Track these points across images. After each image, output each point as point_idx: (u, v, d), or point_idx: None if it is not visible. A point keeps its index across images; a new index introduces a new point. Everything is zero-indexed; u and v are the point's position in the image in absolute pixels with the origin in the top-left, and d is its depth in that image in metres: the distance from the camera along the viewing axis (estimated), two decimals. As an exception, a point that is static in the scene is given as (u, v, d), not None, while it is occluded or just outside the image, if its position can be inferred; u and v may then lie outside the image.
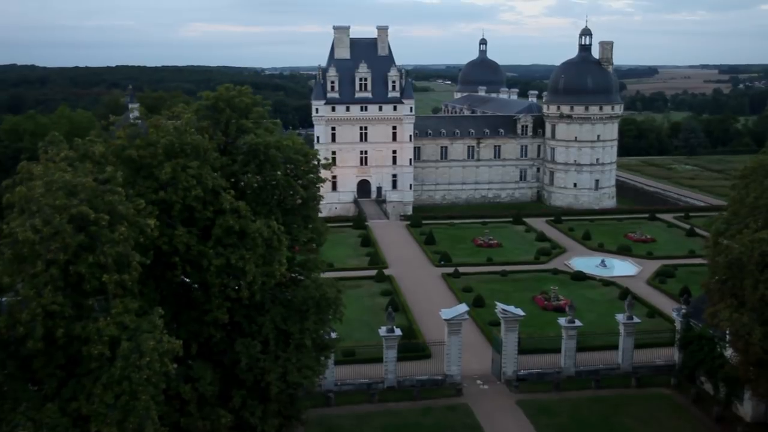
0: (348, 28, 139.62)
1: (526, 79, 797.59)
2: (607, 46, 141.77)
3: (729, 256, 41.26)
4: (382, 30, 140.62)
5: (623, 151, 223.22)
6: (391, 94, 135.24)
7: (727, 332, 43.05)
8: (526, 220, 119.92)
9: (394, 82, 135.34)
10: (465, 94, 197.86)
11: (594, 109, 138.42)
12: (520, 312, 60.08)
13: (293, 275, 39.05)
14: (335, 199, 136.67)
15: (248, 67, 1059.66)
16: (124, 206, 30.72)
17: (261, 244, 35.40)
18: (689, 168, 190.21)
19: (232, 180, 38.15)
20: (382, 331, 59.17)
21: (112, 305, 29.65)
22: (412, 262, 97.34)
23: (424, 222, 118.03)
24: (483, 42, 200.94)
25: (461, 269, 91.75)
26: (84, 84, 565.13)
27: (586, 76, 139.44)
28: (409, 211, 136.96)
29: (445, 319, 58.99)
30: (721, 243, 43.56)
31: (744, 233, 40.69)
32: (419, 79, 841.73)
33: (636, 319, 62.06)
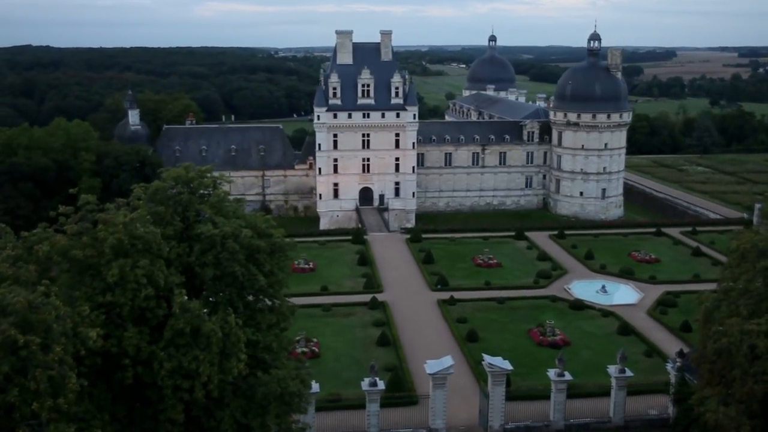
0: (351, 32, 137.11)
1: (541, 62, 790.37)
2: (615, 53, 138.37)
3: (717, 342, 39.08)
4: (386, 35, 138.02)
5: (635, 148, 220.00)
6: (394, 101, 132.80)
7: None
8: (529, 234, 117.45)
9: (397, 88, 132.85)
10: (474, 92, 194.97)
11: (601, 117, 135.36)
12: (507, 366, 58.14)
13: (252, 370, 37.14)
14: (337, 206, 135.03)
15: (262, 48, 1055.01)
16: (62, 324, 29.00)
17: (216, 343, 33.69)
18: (701, 170, 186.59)
19: (189, 271, 36.29)
20: (365, 384, 57.46)
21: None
22: (408, 285, 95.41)
23: (424, 236, 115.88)
24: (492, 39, 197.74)
25: (458, 295, 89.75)
26: (97, 67, 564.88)
27: (594, 83, 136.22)
28: (412, 219, 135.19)
29: (430, 374, 57.16)
30: (712, 322, 41.33)
31: (734, 321, 38.49)
32: (433, 62, 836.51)
33: (628, 373, 59.96)
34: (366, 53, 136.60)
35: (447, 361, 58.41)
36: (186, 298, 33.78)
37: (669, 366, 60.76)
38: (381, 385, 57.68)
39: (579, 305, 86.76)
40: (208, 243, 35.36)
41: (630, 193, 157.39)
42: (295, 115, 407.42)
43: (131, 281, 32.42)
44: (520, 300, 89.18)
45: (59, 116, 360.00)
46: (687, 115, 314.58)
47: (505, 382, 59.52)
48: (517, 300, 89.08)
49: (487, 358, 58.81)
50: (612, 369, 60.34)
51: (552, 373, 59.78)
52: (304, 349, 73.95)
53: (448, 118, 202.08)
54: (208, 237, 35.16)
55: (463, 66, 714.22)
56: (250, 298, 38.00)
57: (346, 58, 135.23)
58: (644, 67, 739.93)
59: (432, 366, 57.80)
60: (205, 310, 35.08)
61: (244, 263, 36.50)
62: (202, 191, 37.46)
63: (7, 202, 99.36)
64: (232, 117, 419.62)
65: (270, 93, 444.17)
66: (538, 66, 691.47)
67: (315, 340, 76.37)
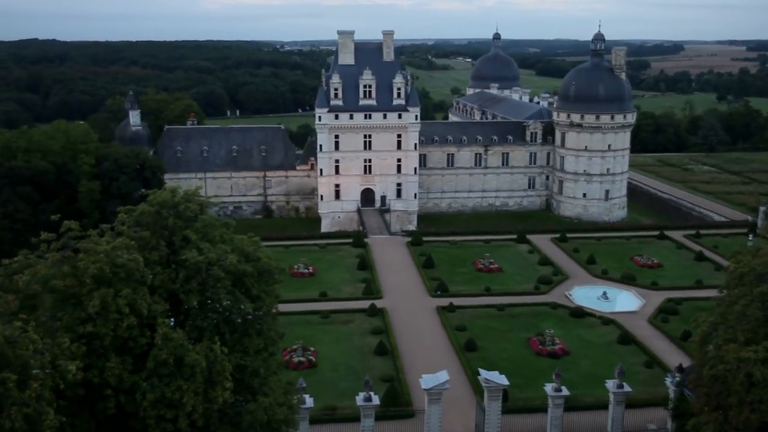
0: (353, 33, 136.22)
1: (548, 56, 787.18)
2: (619, 53, 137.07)
3: (713, 369, 38.33)
4: (388, 35, 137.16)
5: (640, 146, 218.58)
6: (396, 102, 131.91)
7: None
8: (531, 237, 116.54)
9: (399, 89, 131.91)
10: (477, 90, 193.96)
11: (605, 118, 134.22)
12: (503, 381, 57.49)
13: (239, 397, 36.54)
14: (338, 208, 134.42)
15: (267, 41, 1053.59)
16: (40, 358, 28.46)
17: (201, 372, 33.13)
18: (706, 169, 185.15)
19: (174, 298, 35.70)
20: (359, 399, 56.92)
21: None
22: (408, 291, 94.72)
23: (425, 239, 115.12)
24: (496, 37, 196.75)
25: (457, 301, 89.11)
26: (103, 62, 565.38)
27: (598, 84, 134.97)
28: (414, 220, 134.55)
29: (425, 389, 56.56)
30: (707, 346, 40.57)
31: (731, 347, 37.72)
32: (440, 56, 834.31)
33: (627, 388, 59.21)
34: (368, 53, 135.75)
35: (442, 376, 57.77)
36: (171, 324, 33.21)
37: (668, 380, 59.98)
38: (376, 400, 57.14)
39: (579, 313, 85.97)
40: (193, 270, 34.75)
41: (634, 193, 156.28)
42: (300, 110, 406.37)
43: (113, 311, 31.88)
44: (520, 307, 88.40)
45: (64, 111, 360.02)
46: (693, 111, 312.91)
47: (502, 395, 58.89)
48: (517, 307, 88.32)
49: (484, 373, 58.14)
50: (610, 384, 59.62)
51: (549, 387, 59.09)
52: (301, 359, 73.56)
53: (451, 117, 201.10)
54: (192, 264, 34.51)
55: (469, 60, 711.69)
56: (239, 320, 37.36)
57: (347, 58, 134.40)
58: (651, 61, 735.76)
59: (427, 381, 57.19)
60: (190, 339, 34.46)
61: (230, 289, 35.92)
62: (189, 214, 36.69)
63: (5, 206, 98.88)
64: (237, 112, 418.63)
65: (275, 88, 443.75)
66: (544, 60, 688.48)
67: (312, 348, 75.87)
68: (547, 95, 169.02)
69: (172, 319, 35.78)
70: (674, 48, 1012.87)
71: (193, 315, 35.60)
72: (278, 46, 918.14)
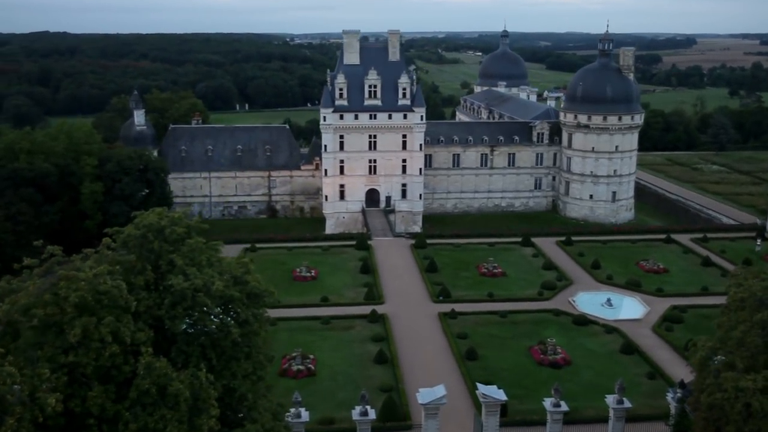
0: (358, 32, 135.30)
1: (559, 50, 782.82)
2: (627, 53, 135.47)
3: (711, 396, 37.47)
4: (393, 34, 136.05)
5: (649, 144, 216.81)
6: (401, 102, 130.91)
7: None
8: (536, 240, 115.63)
9: (404, 89, 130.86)
10: (485, 88, 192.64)
11: (612, 119, 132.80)
12: (501, 396, 56.72)
13: (225, 425, 35.95)
14: (343, 208, 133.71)
15: (277, 34, 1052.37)
16: (17, 393, 27.94)
17: (185, 401, 32.55)
18: (716, 168, 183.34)
19: (160, 324, 35.11)
20: (355, 413, 56.29)
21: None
22: (410, 296, 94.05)
23: (429, 242, 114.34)
24: (505, 34, 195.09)
25: (460, 307, 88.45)
26: (113, 55, 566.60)
27: (606, 84, 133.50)
28: (419, 221, 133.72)
29: (422, 404, 55.89)
30: (707, 371, 39.68)
31: (729, 375, 36.83)
32: (450, 50, 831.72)
33: (627, 404, 58.29)
34: (373, 53, 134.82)
35: (439, 390, 57.03)
36: (152, 353, 32.61)
37: (669, 396, 59.08)
38: (372, 414, 56.55)
39: (582, 320, 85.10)
40: (179, 296, 34.14)
41: (642, 194, 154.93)
42: (309, 105, 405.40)
43: (95, 339, 31.31)
44: (523, 314, 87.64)
45: (74, 105, 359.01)
46: (704, 107, 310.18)
47: (500, 409, 58.16)
48: (519, 313, 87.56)
49: (482, 388, 57.44)
50: (610, 399, 58.75)
51: (548, 403, 58.30)
52: (300, 367, 73.10)
53: (459, 115, 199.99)
54: (178, 290, 33.91)
55: (479, 54, 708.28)
56: (227, 345, 36.73)
57: (353, 58, 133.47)
58: (663, 55, 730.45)
59: (424, 396, 56.49)
60: (176, 365, 33.90)
61: (217, 315, 35.31)
62: (176, 237, 36.03)
63: (8, 207, 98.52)
64: (246, 106, 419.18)
65: (284, 82, 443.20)
66: (554, 54, 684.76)
67: (312, 356, 75.42)
68: (554, 95, 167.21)
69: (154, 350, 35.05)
70: (687, 42, 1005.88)
71: (179, 341, 35.01)
72: (288, 39, 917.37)
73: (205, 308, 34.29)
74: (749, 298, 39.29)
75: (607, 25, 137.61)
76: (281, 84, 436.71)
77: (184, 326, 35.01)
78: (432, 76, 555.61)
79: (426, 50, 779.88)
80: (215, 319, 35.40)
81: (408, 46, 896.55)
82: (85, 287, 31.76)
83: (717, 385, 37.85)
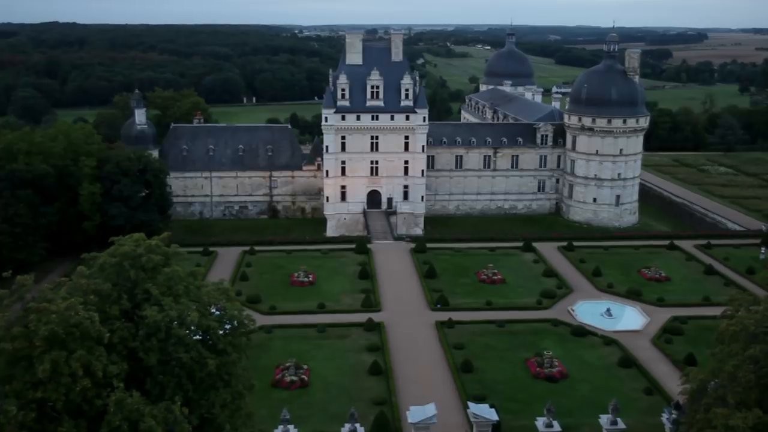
0: (361, 32, 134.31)
1: (568, 44, 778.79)
2: (633, 55, 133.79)
3: (701, 432, 36.54)
4: (396, 35, 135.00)
5: (656, 143, 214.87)
6: (403, 103, 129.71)
7: None
8: (537, 245, 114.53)
9: (407, 90, 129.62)
10: (491, 87, 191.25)
11: (617, 122, 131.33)
12: (493, 416, 55.84)
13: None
14: (344, 210, 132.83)
15: (286, 26, 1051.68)
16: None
17: (158, 436, 31.85)
18: (723, 170, 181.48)
19: (134, 355, 34.38)
20: (344, 431, 55.59)
21: None
22: (408, 303, 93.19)
23: (429, 246, 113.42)
24: (511, 34, 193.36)
25: (457, 315, 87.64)
26: (121, 47, 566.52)
27: (611, 87, 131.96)
28: (421, 222, 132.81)
29: (412, 423, 55.11)
30: (697, 406, 38.71)
31: (720, 411, 35.84)
32: (459, 43, 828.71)
33: (621, 424, 57.35)
34: (376, 53, 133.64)
35: (430, 410, 56.18)
36: (124, 389, 31.87)
37: (665, 417, 58.07)
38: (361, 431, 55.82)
39: (581, 331, 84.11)
40: (153, 328, 33.41)
41: (647, 196, 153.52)
42: (316, 98, 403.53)
43: (65, 374, 30.62)
44: (521, 323, 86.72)
45: (82, 98, 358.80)
46: (714, 105, 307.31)
47: (492, 428, 57.32)
48: (517, 323, 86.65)
49: (473, 407, 56.61)
50: (604, 419, 57.82)
51: (540, 423, 57.59)
52: (294, 378, 72.44)
53: (464, 113, 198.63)
54: (152, 323, 33.17)
55: (488, 48, 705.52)
56: (203, 375, 35.99)
57: (355, 58, 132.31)
58: (673, 50, 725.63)
59: (414, 414, 55.66)
60: (151, 397, 33.18)
61: (193, 345, 34.56)
62: (152, 265, 35.23)
63: (5, 209, 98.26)
64: (254, 99, 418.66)
65: (291, 75, 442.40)
66: (564, 49, 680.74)
67: (305, 366, 74.75)
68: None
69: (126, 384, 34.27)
70: (698, 36, 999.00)
71: (154, 372, 34.28)
72: (297, 31, 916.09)
73: (179, 341, 33.48)
74: (741, 331, 38.27)
75: (613, 25, 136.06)
76: (288, 77, 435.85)
77: (159, 357, 34.20)
78: (440, 70, 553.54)
79: (435, 43, 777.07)
80: (190, 352, 34.55)
81: (417, 39, 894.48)
82: (56, 320, 31.09)
83: (707, 420, 36.91)
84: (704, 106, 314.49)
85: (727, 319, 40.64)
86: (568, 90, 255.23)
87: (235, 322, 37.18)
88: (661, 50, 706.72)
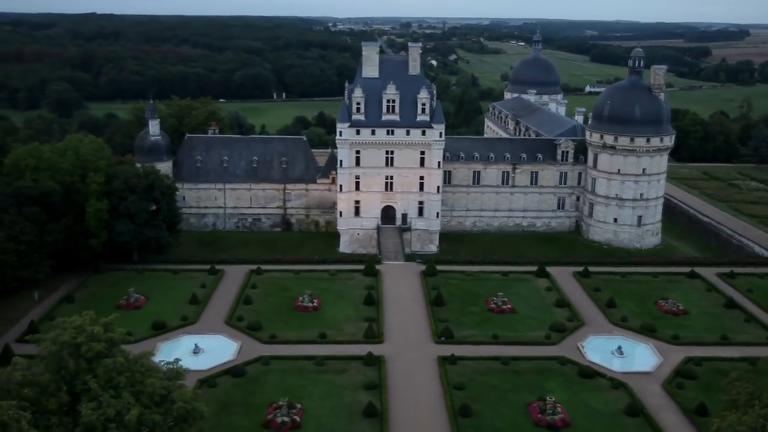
0: (378, 45, 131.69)
1: (605, 40, 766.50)
2: (659, 72, 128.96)
3: None
4: (414, 48, 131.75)
5: (687, 154, 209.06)
6: (420, 118, 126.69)
7: None
8: (552, 270, 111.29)
9: (424, 104, 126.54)
10: (515, 95, 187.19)
11: (640, 141, 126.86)
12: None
13: None
14: (358, 225, 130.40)
15: (320, 18, 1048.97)
16: None
17: None
18: (754, 185, 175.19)
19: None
20: (325, 492, 53.48)
21: None
22: (411, 334, 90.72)
23: (440, 268, 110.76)
24: (537, 41, 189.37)
25: (461, 350, 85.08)
26: (155, 40, 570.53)
27: (634, 104, 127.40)
28: (436, 239, 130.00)
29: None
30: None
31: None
32: (492, 39, 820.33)
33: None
34: (393, 66, 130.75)
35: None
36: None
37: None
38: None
39: (588, 372, 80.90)
40: (89, 427, 31.40)
41: (672, 213, 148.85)
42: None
43: (-13, 485, 28.75)
44: (527, 361, 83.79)
45: (114, 92, 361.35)
46: (751, 108, 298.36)
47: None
48: (523, 360, 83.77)
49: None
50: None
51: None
52: (285, 419, 70.50)
53: (487, 122, 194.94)
54: (87, 422, 31.17)
55: (522, 44, 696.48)
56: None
57: (371, 71, 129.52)
58: (713, 48, 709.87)
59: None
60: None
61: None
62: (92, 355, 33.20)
63: (11, 227, 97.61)
64: (284, 95, 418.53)
65: (321, 71, 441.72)
66: (599, 46, 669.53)
67: (299, 405, 72.84)
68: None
69: None
70: (739, 33, 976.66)
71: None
72: (330, 24, 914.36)
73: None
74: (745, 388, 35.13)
75: (638, 46, 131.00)
76: (318, 73, 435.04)
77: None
78: (472, 67, 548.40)
79: (468, 39, 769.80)
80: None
81: (450, 34, 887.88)
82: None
83: None
84: (741, 110, 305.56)
85: (718, 421, 37.48)
86: (602, 89, 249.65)
87: (183, 416, 35.01)
88: (700, 47, 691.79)
